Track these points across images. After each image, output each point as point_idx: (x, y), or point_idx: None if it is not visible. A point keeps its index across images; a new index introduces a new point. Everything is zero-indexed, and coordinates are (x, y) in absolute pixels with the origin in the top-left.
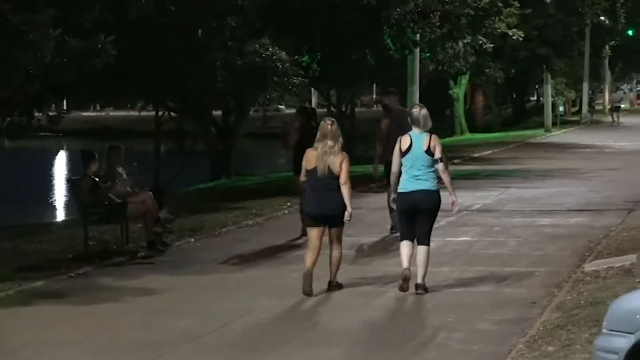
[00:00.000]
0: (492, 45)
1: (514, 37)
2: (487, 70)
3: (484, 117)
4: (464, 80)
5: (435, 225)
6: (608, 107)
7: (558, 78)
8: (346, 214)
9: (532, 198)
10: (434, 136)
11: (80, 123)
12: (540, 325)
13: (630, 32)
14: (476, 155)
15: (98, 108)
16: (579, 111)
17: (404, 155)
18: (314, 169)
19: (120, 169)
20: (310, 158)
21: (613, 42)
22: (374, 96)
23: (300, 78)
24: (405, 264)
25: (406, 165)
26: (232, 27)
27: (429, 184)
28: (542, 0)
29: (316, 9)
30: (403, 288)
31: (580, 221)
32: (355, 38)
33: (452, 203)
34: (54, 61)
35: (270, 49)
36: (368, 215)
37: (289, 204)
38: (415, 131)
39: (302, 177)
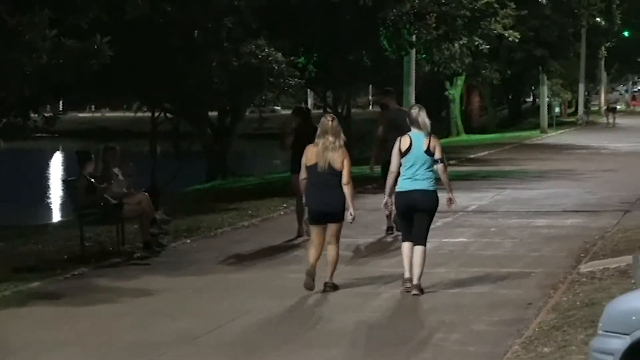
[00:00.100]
0: (488, 46)
1: (510, 39)
2: (483, 71)
3: (480, 118)
4: (460, 81)
5: (432, 226)
6: (604, 108)
7: (554, 79)
8: (348, 214)
9: (528, 199)
10: (433, 137)
11: (77, 124)
12: (536, 326)
13: (626, 34)
14: (472, 156)
15: (93, 109)
16: (575, 112)
17: (404, 155)
18: (315, 165)
19: (116, 170)
20: (311, 154)
21: (609, 43)
22: (370, 97)
23: (296, 79)
24: (407, 273)
25: (406, 165)
26: (228, 27)
27: (426, 184)
28: (538, 1)
29: (312, 10)
30: (408, 292)
31: (576, 222)
32: (351, 39)
33: (449, 200)
34: (50, 62)
35: (266, 50)
36: (364, 216)
37: (284, 205)
38: (414, 131)
39: (303, 174)
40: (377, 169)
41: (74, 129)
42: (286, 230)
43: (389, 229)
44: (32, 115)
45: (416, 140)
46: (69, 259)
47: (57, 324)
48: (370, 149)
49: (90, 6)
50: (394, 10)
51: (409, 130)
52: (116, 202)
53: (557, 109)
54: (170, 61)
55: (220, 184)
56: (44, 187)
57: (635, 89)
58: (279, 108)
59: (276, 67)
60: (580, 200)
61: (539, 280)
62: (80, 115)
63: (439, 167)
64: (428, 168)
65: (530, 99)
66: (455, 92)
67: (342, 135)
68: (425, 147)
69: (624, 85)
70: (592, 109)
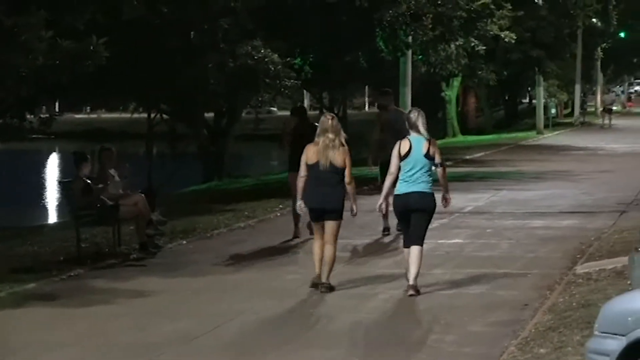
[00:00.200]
0: (485, 47)
1: (506, 39)
2: (480, 72)
3: (476, 119)
4: (456, 82)
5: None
6: (600, 109)
7: (550, 80)
8: (351, 210)
9: (525, 200)
10: (432, 141)
11: (73, 125)
12: (532, 328)
13: (622, 35)
14: (468, 157)
15: (88, 110)
16: (571, 113)
17: (403, 159)
18: (316, 164)
19: (112, 171)
20: (311, 153)
21: (605, 44)
22: (367, 98)
23: (292, 80)
24: (410, 281)
25: (405, 169)
26: (224, 29)
27: (423, 186)
28: (534, 2)
29: (308, 11)
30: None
31: (572, 223)
32: (347, 40)
33: (444, 199)
34: (46, 63)
35: (262, 51)
36: (360, 217)
37: (281, 206)
38: (413, 135)
39: (302, 172)
40: (376, 169)
41: (70, 130)
42: (282, 231)
43: (385, 230)
44: (28, 116)
45: (416, 144)
46: (65, 260)
47: (53, 325)
48: (367, 150)
49: (86, 7)
50: (390, 11)
51: (407, 132)
52: (112, 204)
53: (553, 110)
54: (167, 62)
55: (217, 185)
56: (40, 188)
57: (631, 90)
58: (275, 109)
59: (272, 68)
60: (576, 201)
61: (535, 281)
62: (77, 116)
63: (438, 171)
64: (427, 172)
65: (527, 100)
66: (451, 93)
67: (343, 133)
68: (424, 151)
69: (620, 86)
70: (589, 110)
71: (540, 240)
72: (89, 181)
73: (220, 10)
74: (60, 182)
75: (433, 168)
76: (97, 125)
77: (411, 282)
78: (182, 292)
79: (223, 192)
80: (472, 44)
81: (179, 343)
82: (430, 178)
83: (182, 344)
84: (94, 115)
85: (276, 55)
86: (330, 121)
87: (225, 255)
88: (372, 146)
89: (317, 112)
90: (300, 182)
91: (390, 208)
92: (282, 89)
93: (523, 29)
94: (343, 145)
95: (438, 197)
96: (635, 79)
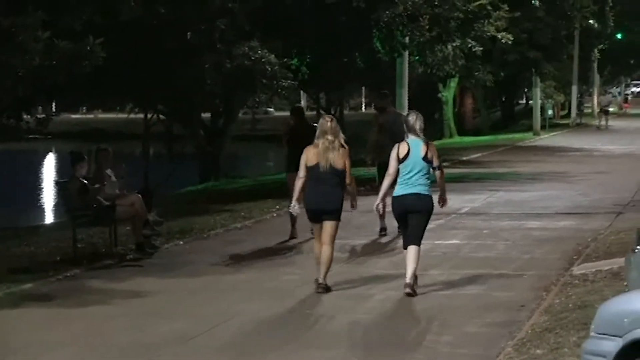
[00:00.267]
0: (482, 48)
1: (503, 41)
2: (476, 73)
3: (473, 120)
4: (453, 83)
5: None
6: (597, 110)
7: (547, 81)
8: (351, 205)
9: (521, 201)
10: (431, 144)
11: (70, 125)
12: (529, 329)
13: (619, 36)
14: (465, 158)
15: (84, 110)
16: (568, 115)
17: (402, 161)
18: (316, 166)
19: (108, 171)
20: (311, 155)
21: (602, 45)
22: (363, 99)
23: (289, 81)
24: (407, 279)
25: (403, 171)
26: (221, 29)
27: (420, 188)
28: (531, 3)
29: (305, 12)
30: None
31: (568, 224)
32: (344, 41)
33: (442, 200)
34: (43, 63)
35: (259, 52)
36: (357, 218)
37: (277, 206)
38: (411, 138)
39: (302, 173)
40: (373, 169)
41: (67, 130)
42: (279, 232)
43: (382, 230)
44: (25, 116)
45: (414, 147)
46: (61, 261)
47: (50, 326)
48: (364, 151)
49: (83, 8)
50: (387, 12)
51: (404, 134)
52: (109, 204)
53: (550, 111)
54: (164, 63)
55: (213, 185)
56: (37, 189)
57: (628, 92)
58: (272, 110)
59: (269, 69)
60: (572, 203)
61: (531, 283)
62: (73, 116)
63: (437, 174)
64: (425, 174)
65: (523, 101)
66: (448, 94)
67: (342, 135)
68: (423, 154)
69: (617, 88)
70: (585, 111)
71: (537, 241)
72: (85, 181)
73: (217, 11)
74: (56, 183)
75: (431, 171)
76: (93, 126)
77: (407, 280)
78: (178, 293)
79: (220, 193)
80: (469, 45)
81: (176, 343)
82: (429, 181)
83: (179, 345)
84: (90, 116)
85: (273, 55)
86: (329, 123)
87: (222, 256)
88: (369, 147)
89: (314, 112)
90: (299, 183)
91: (388, 209)
92: (279, 90)
93: (520, 30)
94: (343, 146)
95: (435, 198)
96: (632, 80)
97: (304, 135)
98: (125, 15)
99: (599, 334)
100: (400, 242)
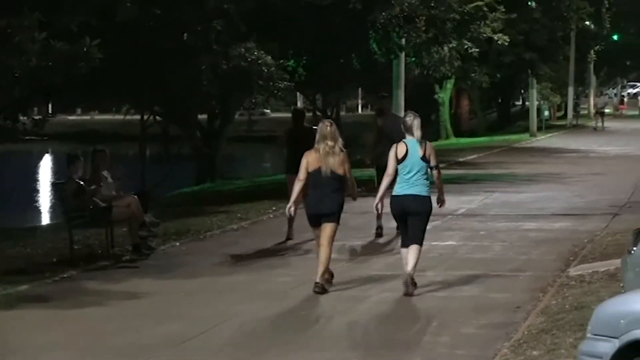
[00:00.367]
0: (478, 49)
1: (499, 42)
2: (473, 74)
3: (470, 121)
4: (450, 84)
5: None
6: (593, 112)
7: (543, 83)
8: (354, 196)
9: (517, 202)
10: (428, 144)
11: (66, 127)
12: (525, 330)
13: (615, 37)
14: (461, 159)
15: (79, 112)
16: (565, 116)
17: (400, 162)
18: (318, 170)
19: (105, 173)
20: (312, 160)
21: (598, 47)
22: (360, 100)
23: (285, 82)
24: (408, 269)
25: (402, 172)
26: (217, 31)
27: (419, 189)
28: (527, 5)
29: (302, 13)
30: (407, 293)
31: (565, 226)
32: (340, 42)
33: (440, 200)
34: (40, 64)
35: (255, 53)
36: (353, 219)
37: (274, 208)
38: (409, 138)
39: (301, 175)
40: (372, 170)
41: (63, 132)
42: (275, 233)
43: (378, 229)
44: (22, 117)
45: (412, 147)
46: (57, 262)
47: (46, 327)
48: (362, 152)
49: (80, 9)
50: (384, 14)
51: (403, 137)
52: (105, 205)
53: (546, 113)
54: (160, 64)
55: (210, 186)
56: (33, 190)
57: (624, 93)
58: (268, 111)
59: (266, 70)
60: (569, 204)
61: (528, 284)
62: (70, 117)
63: (434, 173)
64: (424, 174)
65: (520, 103)
66: (444, 95)
67: (340, 140)
68: (421, 154)
69: (613, 89)
70: (582, 112)
71: (533, 243)
72: (81, 183)
73: (214, 12)
74: (53, 184)
75: (429, 171)
76: (90, 127)
77: (409, 269)
78: (175, 294)
79: (216, 194)
80: (465, 47)
81: (172, 345)
82: (428, 181)
83: (175, 346)
84: (86, 117)
85: (269, 57)
86: (328, 128)
87: (219, 257)
88: (369, 148)
89: (311, 114)
90: (297, 186)
91: (386, 209)
92: (275, 91)
93: (516, 31)
94: (342, 150)
95: (434, 199)
96: (628, 82)
97: (303, 137)
98: (121, 17)
99: (595, 335)
100: (397, 243)
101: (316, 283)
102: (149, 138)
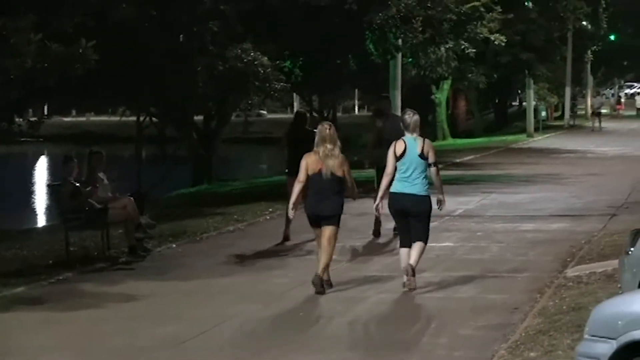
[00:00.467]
0: (475, 50)
1: (496, 42)
2: (470, 75)
3: (466, 122)
4: (446, 85)
5: None
6: (590, 112)
7: (540, 83)
8: (352, 198)
9: (515, 203)
10: (427, 141)
11: (62, 128)
12: (523, 331)
13: (612, 37)
14: (458, 160)
15: (74, 114)
16: (562, 116)
17: (399, 159)
18: (318, 173)
19: (101, 174)
20: (312, 162)
21: (595, 47)
22: (356, 101)
23: (282, 83)
24: (405, 278)
25: (401, 169)
26: (213, 32)
27: (418, 188)
28: (524, 5)
29: (298, 14)
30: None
31: (562, 226)
32: (337, 43)
33: (439, 201)
34: (35, 66)
35: (252, 54)
36: (351, 221)
37: (270, 209)
38: (408, 136)
39: (302, 178)
40: (372, 171)
41: (58, 133)
42: (272, 234)
43: (377, 224)
44: (17, 119)
45: (410, 144)
46: (53, 264)
47: (41, 329)
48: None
49: (76, 10)
50: (380, 14)
51: (403, 135)
52: (101, 207)
53: (543, 113)
54: (156, 65)
55: (206, 188)
56: (29, 192)
57: (621, 93)
58: (265, 112)
59: (262, 71)
60: (566, 205)
61: (525, 285)
62: (65, 119)
63: (432, 170)
64: (422, 172)
65: (517, 103)
66: (441, 96)
67: (339, 142)
68: (419, 151)
69: (610, 89)
70: (579, 112)
71: (530, 244)
72: (77, 184)
73: (210, 14)
74: (48, 186)
75: (428, 168)
76: (85, 129)
77: (412, 262)
78: (171, 296)
79: (212, 196)
80: (462, 47)
81: (169, 346)
82: (426, 180)
83: (172, 348)
84: (82, 119)
85: (266, 58)
86: (328, 130)
87: (215, 259)
88: (369, 150)
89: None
90: (297, 187)
91: (385, 211)
92: (272, 92)
93: (513, 31)
94: (341, 153)
95: (433, 199)
96: (625, 82)
97: (304, 139)
98: (116, 17)
99: (593, 336)
100: (396, 244)
101: (316, 274)
102: (145, 139)
